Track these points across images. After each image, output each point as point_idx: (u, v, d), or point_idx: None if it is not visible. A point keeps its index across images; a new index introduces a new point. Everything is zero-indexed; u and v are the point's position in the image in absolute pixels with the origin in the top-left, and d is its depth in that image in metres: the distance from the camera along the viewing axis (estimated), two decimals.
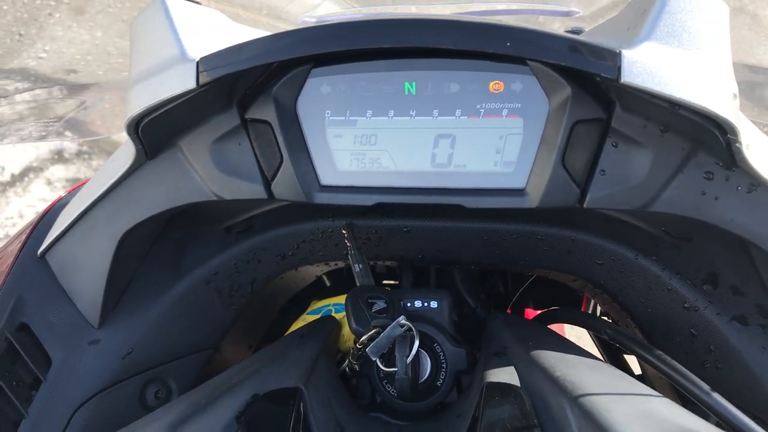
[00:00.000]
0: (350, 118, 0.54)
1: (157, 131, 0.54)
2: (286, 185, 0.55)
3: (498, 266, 0.66)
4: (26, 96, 2.23)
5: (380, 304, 0.57)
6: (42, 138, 2.40)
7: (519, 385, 0.48)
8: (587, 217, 0.61)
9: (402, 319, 0.55)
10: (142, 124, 0.52)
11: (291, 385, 0.51)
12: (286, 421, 0.47)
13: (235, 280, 0.66)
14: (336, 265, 0.70)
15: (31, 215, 2.20)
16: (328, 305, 0.70)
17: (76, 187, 0.69)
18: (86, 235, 0.61)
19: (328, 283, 0.82)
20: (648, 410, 0.40)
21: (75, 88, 2.18)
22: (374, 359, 0.55)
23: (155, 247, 0.65)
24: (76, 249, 0.61)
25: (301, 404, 0.50)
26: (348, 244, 0.62)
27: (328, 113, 0.54)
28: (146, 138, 0.54)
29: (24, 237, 0.64)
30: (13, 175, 2.28)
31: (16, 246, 0.64)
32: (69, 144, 2.36)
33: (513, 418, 0.44)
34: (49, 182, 2.26)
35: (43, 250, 0.62)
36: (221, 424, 0.47)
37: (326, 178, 0.56)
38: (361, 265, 0.60)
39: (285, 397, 0.50)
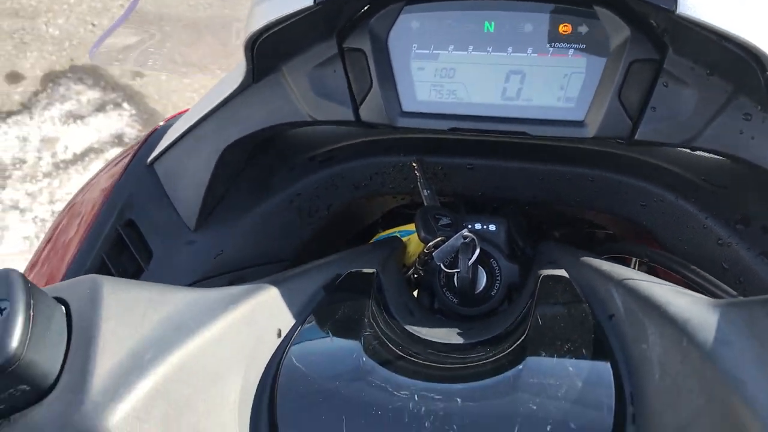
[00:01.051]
0: (434, 51, 0.62)
1: (268, 52, 0.62)
2: (372, 109, 0.63)
3: (551, 206, 0.74)
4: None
5: (445, 220, 0.65)
6: (101, 108, 2.54)
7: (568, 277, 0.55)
8: (634, 163, 0.69)
9: (465, 231, 0.63)
10: (258, 43, 0.60)
11: (369, 270, 0.59)
12: (367, 294, 0.55)
13: (314, 202, 0.75)
14: (402, 199, 0.79)
15: None
16: (394, 232, 0.78)
17: (180, 112, 0.79)
18: (192, 148, 0.70)
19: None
20: (686, 291, 0.47)
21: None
22: (439, 264, 0.63)
23: (248, 168, 0.74)
24: (182, 160, 0.70)
25: (379, 286, 0.57)
26: (417, 174, 0.70)
27: (414, 47, 0.62)
28: (258, 59, 0.62)
29: (136, 148, 0.74)
30: (75, 154, 2.41)
31: (128, 156, 0.74)
32: (129, 129, 2.48)
33: (563, 298, 0.51)
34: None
35: (152, 159, 0.72)
36: (309, 292, 0.55)
37: (408, 105, 0.64)
38: (428, 191, 0.68)
39: (365, 276, 0.57)
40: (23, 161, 2.38)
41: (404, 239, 0.75)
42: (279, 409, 0.45)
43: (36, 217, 2.23)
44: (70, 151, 2.42)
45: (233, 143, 0.68)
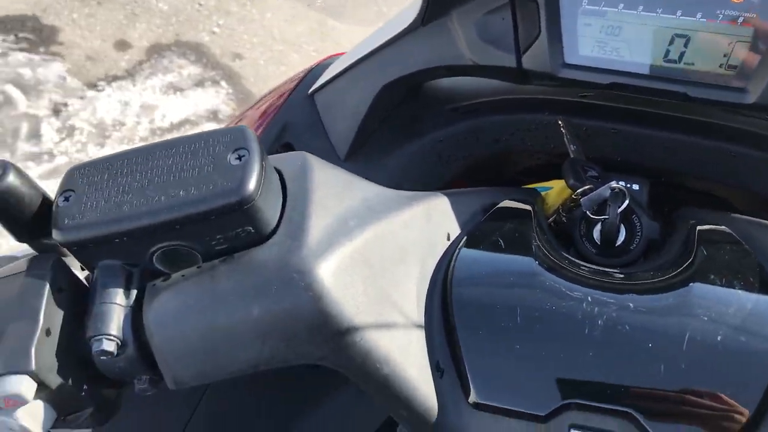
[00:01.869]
0: (603, 8, 0.65)
1: None
2: (536, 57, 0.66)
3: (686, 178, 0.76)
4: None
5: (592, 172, 0.67)
6: (200, 83, 2.63)
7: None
8: None
9: (614, 182, 0.65)
10: None
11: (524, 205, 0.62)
12: (528, 218, 0.58)
13: (453, 151, 0.78)
14: (538, 159, 0.81)
15: None
16: (532, 187, 0.81)
17: (337, 54, 0.83)
18: (353, 82, 0.74)
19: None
20: None
21: None
22: (585, 211, 0.66)
23: (396, 111, 0.78)
24: (341, 93, 0.75)
25: (536, 216, 0.60)
26: (564, 131, 0.73)
27: (585, 2, 0.65)
28: (433, 2, 0.66)
29: (298, 79, 0.78)
30: (171, 123, 2.50)
31: (291, 85, 0.78)
32: (224, 107, 2.57)
33: (725, 244, 0.53)
34: None
35: (313, 90, 0.76)
36: (471, 208, 0.58)
37: (570, 58, 0.67)
38: (574, 146, 0.71)
39: (520, 209, 0.60)
40: (123, 124, 2.48)
41: (542, 194, 0.78)
42: (454, 297, 0.48)
43: None
44: (167, 120, 2.52)
45: (393, 81, 0.72)
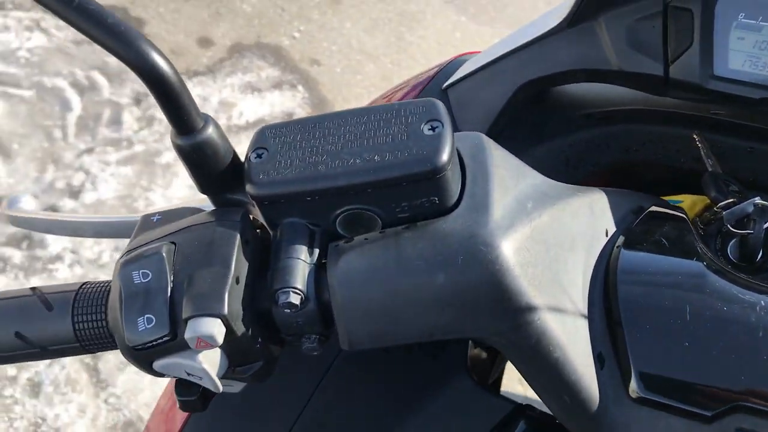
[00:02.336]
0: (760, 23, 0.65)
1: (596, 1, 0.66)
2: (684, 67, 0.66)
3: None
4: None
5: (733, 187, 0.67)
6: (277, 85, 2.68)
7: None
8: None
9: (758, 199, 0.64)
10: None
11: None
12: (683, 222, 0.57)
13: (583, 156, 0.78)
14: (666, 171, 0.81)
15: None
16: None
17: (469, 53, 0.84)
18: (490, 79, 0.75)
19: None
20: None
21: None
22: (726, 225, 0.65)
23: (525, 112, 0.78)
24: (477, 89, 0.75)
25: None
26: (700, 145, 0.72)
27: (741, 15, 0.65)
28: (584, 4, 0.67)
29: (432, 73, 0.79)
30: (247, 122, 2.54)
31: (422, 79, 0.80)
32: (299, 110, 2.60)
33: None
34: None
35: (448, 85, 0.77)
36: (623, 208, 0.58)
37: (719, 71, 0.66)
38: (711, 160, 0.70)
39: (675, 213, 0.60)
40: None
41: None
42: (619, 291, 0.48)
43: None
44: (243, 118, 2.56)
45: (531, 81, 0.72)
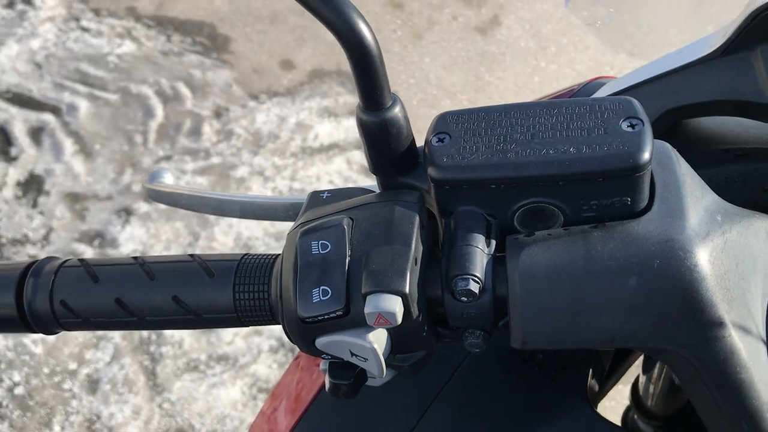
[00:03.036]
0: None
1: (757, 29, 0.64)
2: None
3: None
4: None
5: None
6: (353, 113, 2.69)
7: None
8: None
9: None
10: (759, 17, 0.63)
11: None
12: None
13: (719, 191, 0.75)
14: None
15: (324, 183, 2.45)
16: None
17: (605, 77, 0.82)
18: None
19: None
20: None
21: None
22: None
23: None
24: None
25: None
26: None
27: None
28: (744, 34, 0.65)
29: (572, 92, 0.78)
30: (321, 145, 2.56)
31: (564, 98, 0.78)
32: None
33: None
34: (348, 162, 2.51)
35: None
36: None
37: None
38: None
39: None
40: (277, 137, 2.56)
41: None
42: None
43: (275, 187, 2.39)
44: (318, 141, 2.58)
45: (676, 108, 0.70)
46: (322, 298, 0.41)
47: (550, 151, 0.42)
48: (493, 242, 0.43)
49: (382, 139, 0.44)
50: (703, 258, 0.40)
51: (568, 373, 0.67)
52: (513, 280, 0.42)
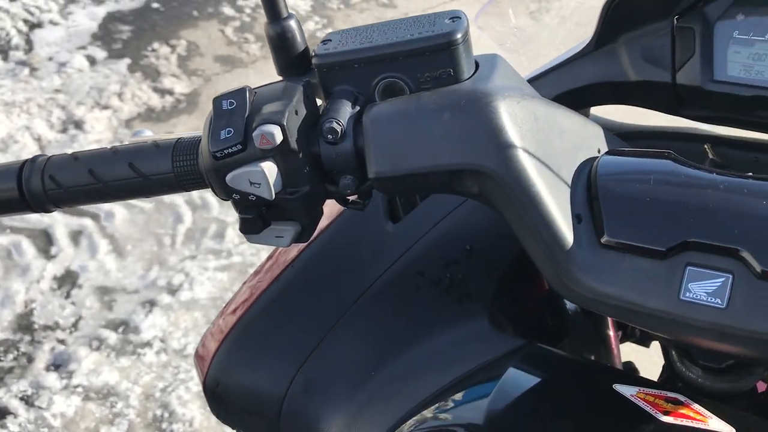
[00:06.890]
0: (751, 38, 0.78)
1: (613, 22, 0.82)
2: (688, 74, 0.80)
3: None
4: None
5: None
6: None
7: None
8: None
9: None
10: (611, 8, 0.81)
11: None
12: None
13: None
14: None
15: None
16: None
17: None
18: None
19: None
20: None
21: None
22: None
23: None
24: None
25: None
26: (710, 156, 0.83)
27: (735, 32, 0.79)
28: (605, 26, 0.83)
29: None
30: None
31: None
32: None
33: None
34: None
35: None
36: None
37: (718, 76, 0.79)
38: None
39: None
40: None
41: None
42: (599, 172, 0.59)
43: None
44: None
45: (561, 94, 0.87)
46: (227, 136, 0.57)
47: (393, 38, 0.59)
48: (357, 107, 0.59)
49: (281, 43, 0.61)
50: (499, 101, 0.56)
51: (472, 297, 0.79)
52: (365, 124, 0.57)
